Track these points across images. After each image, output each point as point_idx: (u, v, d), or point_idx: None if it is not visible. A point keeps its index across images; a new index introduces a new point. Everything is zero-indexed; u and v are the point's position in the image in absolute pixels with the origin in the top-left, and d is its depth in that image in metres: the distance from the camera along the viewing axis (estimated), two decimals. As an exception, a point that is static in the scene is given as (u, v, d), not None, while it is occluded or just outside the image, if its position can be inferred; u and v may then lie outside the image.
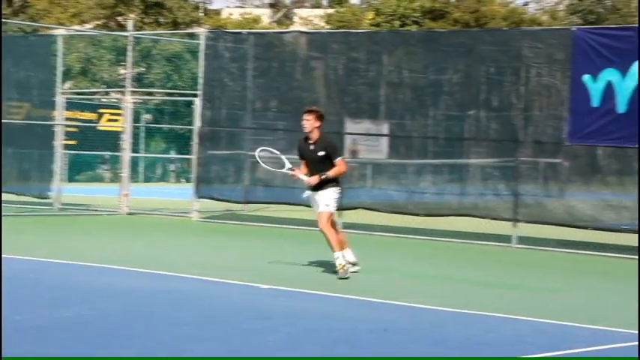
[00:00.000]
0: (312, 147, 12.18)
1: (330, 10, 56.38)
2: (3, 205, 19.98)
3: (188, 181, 21.27)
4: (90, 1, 46.81)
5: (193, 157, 20.16)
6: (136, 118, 27.64)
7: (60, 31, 25.60)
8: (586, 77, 15.64)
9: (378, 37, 19.06)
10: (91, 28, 42.75)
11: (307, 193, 12.34)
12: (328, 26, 50.75)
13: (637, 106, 15.14)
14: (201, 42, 20.08)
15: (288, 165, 12.53)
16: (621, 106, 15.33)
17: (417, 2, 46.50)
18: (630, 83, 15.21)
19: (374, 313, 9.87)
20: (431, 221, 17.57)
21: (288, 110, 19.38)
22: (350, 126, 18.40)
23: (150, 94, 30.34)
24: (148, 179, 33.12)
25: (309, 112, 12.23)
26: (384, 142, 18.59)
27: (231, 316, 9.31)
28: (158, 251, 14.67)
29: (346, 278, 11.82)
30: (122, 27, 39.53)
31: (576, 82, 15.74)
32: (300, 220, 18.86)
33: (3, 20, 31.40)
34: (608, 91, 15.43)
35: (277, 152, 12.98)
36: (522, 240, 16.23)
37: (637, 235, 15.30)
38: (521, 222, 16.28)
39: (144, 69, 34.67)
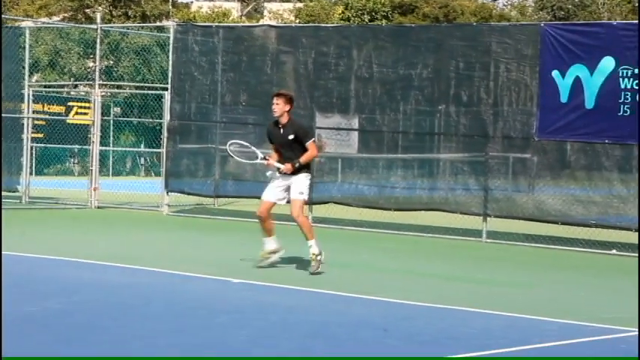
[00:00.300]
0: (282, 131, 12.06)
1: (300, 4, 56.34)
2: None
3: (158, 174, 21.21)
4: (57, -7, 46.46)
5: (163, 150, 20.09)
6: (105, 112, 27.48)
7: (27, 23, 25.40)
8: (554, 73, 15.74)
9: (348, 32, 19.06)
10: (58, 21, 42.43)
11: (273, 175, 12.16)
12: (298, 20, 50.72)
13: (604, 104, 15.25)
14: (171, 35, 20.00)
15: (260, 155, 12.48)
16: (589, 101, 15.44)
17: (387, -3, 46.57)
18: (598, 79, 15.32)
19: (345, 307, 9.89)
20: (401, 216, 17.63)
21: (258, 104, 19.35)
22: (320, 120, 18.40)
23: (119, 87, 30.20)
24: (117, 173, 32.96)
25: (279, 95, 12.13)
26: (355, 136, 18.61)
27: (202, 310, 9.30)
28: (128, 245, 14.61)
29: (318, 273, 11.82)
30: (90, 19, 39.28)
31: (545, 78, 15.84)
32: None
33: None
34: (577, 87, 15.54)
35: (247, 144, 12.94)
36: (492, 235, 16.32)
37: (606, 229, 15.48)
38: (490, 217, 16.37)
39: (112, 62, 34.47)
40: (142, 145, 32.73)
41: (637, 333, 8.61)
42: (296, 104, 18.51)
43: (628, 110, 15.03)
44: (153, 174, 31.87)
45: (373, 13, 46.05)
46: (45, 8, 46.22)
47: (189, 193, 20.01)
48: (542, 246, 15.68)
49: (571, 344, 8.34)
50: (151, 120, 30.04)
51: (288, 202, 12.22)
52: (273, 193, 12.19)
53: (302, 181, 12.03)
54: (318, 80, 18.29)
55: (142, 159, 34.46)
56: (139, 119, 31.48)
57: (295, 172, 11.97)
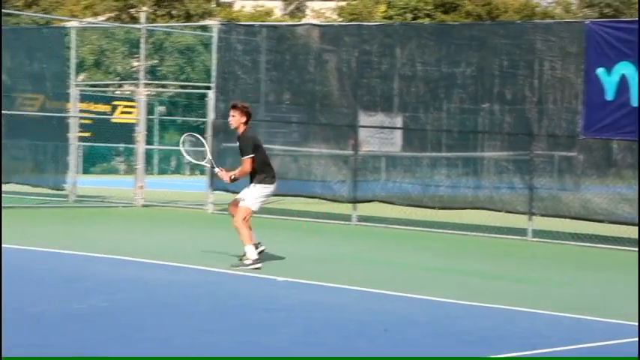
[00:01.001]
0: (237, 141, 12.37)
1: (342, 3, 56.32)
2: (18, 197, 20.08)
3: (202, 173, 21.32)
4: (102, -7, 46.84)
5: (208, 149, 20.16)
6: (150, 111, 27.73)
7: (73, 23, 25.66)
8: (600, 70, 15.60)
9: (391, 30, 19.03)
10: (103, 20, 42.79)
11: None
12: (340, 19, 50.71)
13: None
14: (214, 34, 20.09)
15: (208, 157, 12.67)
16: (635, 99, 15.28)
17: (430, -6, 46.41)
18: (645, 76, 15.17)
19: (389, 305, 9.89)
20: (445, 214, 17.58)
21: (301, 103, 19.40)
22: (363, 119, 18.40)
23: (163, 86, 30.41)
24: (162, 171, 33.21)
25: (234, 107, 12.24)
26: (398, 135, 18.59)
27: (247, 308, 9.33)
28: (173, 243, 14.71)
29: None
30: (135, 19, 39.56)
31: (590, 76, 15.71)
32: (314, 213, 18.89)
33: (17, 12, 31.49)
34: (623, 85, 15.39)
35: (203, 141, 13.09)
36: (537, 233, 16.21)
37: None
38: (536, 215, 16.27)
39: (157, 61, 34.71)
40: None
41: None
42: (339, 103, 18.70)
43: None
44: (198, 172, 32.05)
45: (416, 12, 45.90)
46: (90, 8, 46.64)
47: (234, 192, 20.02)
48: (588, 245, 15.55)
49: (617, 344, 8.26)
50: (195, 119, 30.21)
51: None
52: (242, 192, 12.47)
53: (251, 190, 12.25)
54: (361, 79, 18.28)
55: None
56: (184, 118, 31.67)
57: (253, 178, 12.21)
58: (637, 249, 15.05)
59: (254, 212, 12.39)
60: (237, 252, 13.88)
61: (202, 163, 12.82)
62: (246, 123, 12.19)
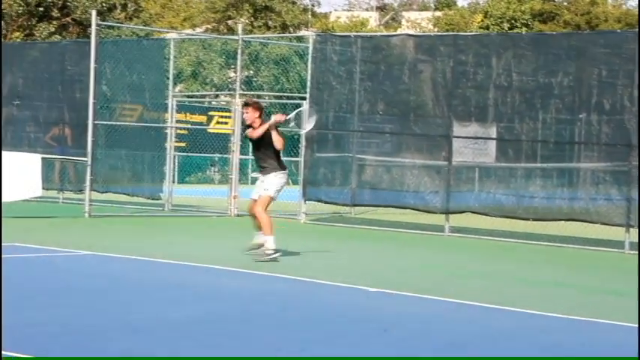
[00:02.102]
0: (254, 135, 13.04)
1: (439, 13, 56.11)
2: (117, 205, 20.50)
3: (296, 183, 21.44)
4: (201, 5, 47.58)
5: (301, 159, 20.30)
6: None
7: (172, 35, 26.12)
8: (702, 80, 15.22)
9: (487, 40, 18.89)
10: (201, 32, 43.42)
11: (256, 174, 13.27)
12: (436, 29, 50.52)
13: None
14: (310, 45, 20.21)
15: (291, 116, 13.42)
16: None
17: (527, 4, 45.90)
18: None
19: (483, 318, 9.79)
20: (540, 226, 17.33)
21: (395, 113, 19.38)
22: (458, 129, 18.28)
23: (258, 96, 30.64)
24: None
25: (246, 105, 13.23)
26: (492, 145, 18.42)
27: (339, 319, 9.34)
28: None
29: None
30: (232, 30, 40.07)
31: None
32: (407, 224, 18.83)
33: (118, 25, 32.18)
34: None
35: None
36: (635, 246, 15.87)
37: None
38: (634, 227, 15.93)
39: (253, 72, 35.08)
40: (281, 154, 33.15)
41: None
42: (433, 113, 18.61)
43: None
44: (291, 182, 32.23)
45: (513, 21, 45.46)
46: (189, 20, 47.41)
47: (326, 202, 20.15)
48: (689, 259, 15.14)
49: None
50: (289, 129, 30.41)
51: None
52: (256, 192, 13.19)
53: (271, 179, 12.98)
54: (455, 89, 18.18)
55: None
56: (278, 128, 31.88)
57: (265, 168, 13.04)
58: None
59: (273, 200, 13.19)
60: (331, 261, 13.93)
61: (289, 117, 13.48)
62: (259, 117, 13.05)
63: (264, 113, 13.26)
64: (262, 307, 9.81)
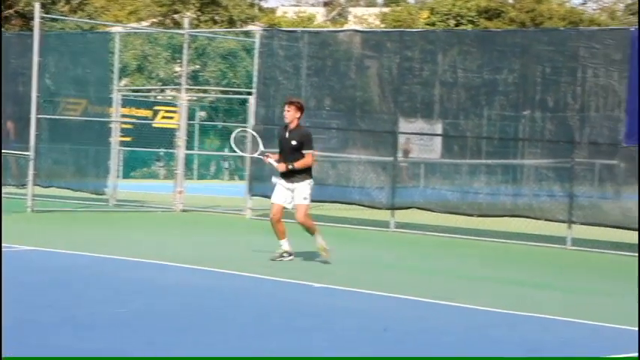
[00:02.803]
0: (287, 135, 12.83)
1: (386, 9, 56.29)
2: (60, 200, 20.27)
3: (242, 178, 21.41)
4: (147, -1, 47.20)
5: (247, 155, 20.21)
6: (191, 116, 27.86)
7: (117, 29, 25.89)
8: (644, 78, 15.43)
9: (433, 37, 18.99)
10: (147, 26, 43.11)
11: (276, 179, 12.88)
12: (383, 25, 50.68)
13: None
14: (256, 40, 20.16)
15: (261, 149, 13.08)
16: (680, 107, 15.10)
17: (473, 1, 46.22)
18: (689, 84, 14.98)
19: (428, 313, 9.85)
20: (484, 222, 17.47)
21: (342, 109, 19.40)
22: (403, 125, 18.36)
23: (205, 91, 30.51)
24: (202, 176, 33.34)
25: (290, 103, 12.97)
26: (438, 141, 18.52)
27: (283, 314, 9.35)
28: (211, 248, 14.77)
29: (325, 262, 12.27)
30: (178, 25, 39.82)
31: (633, 83, 15.54)
32: (353, 219, 18.87)
33: (62, 18, 31.81)
34: (667, 93, 15.21)
35: (256, 134, 13.59)
36: (577, 242, 16.07)
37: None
38: (576, 223, 16.12)
39: (199, 66, 34.90)
40: (227, 149, 33.03)
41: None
42: (379, 109, 18.67)
43: None
44: (237, 178, 32.17)
45: (459, 18, 45.75)
46: (134, 14, 47.01)
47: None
48: (629, 254, 15.37)
49: (657, 355, 8.15)
50: (235, 124, 30.28)
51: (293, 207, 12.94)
52: (282, 197, 12.86)
53: (304, 187, 12.78)
54: (402, 85, 18.24)
55: (227, 163, 34.78)
56: (224, 123, 31.81)
57: (294, 177, 12.70)
58: None
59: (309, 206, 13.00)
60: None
61: (255, 155, 13.26)
62: (299, 118, 12.87)
63: (304, 114, 13.10)
64: (206, 303, 9.78)
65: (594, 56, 16.18)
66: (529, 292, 11.65)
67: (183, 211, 20.40)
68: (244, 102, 22.50)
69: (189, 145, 21.63)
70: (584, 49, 16.26)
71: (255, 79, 20.07)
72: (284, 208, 12.90)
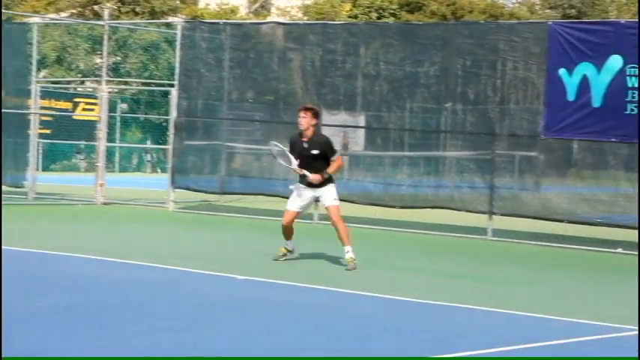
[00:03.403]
0: (305, 145, 12.31)
1: (308, 1, 56.32)
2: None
3: (164, 171, 21.24)
4: (66, -11, 46.46)
5: (169, 147, 20.10)
6: (112, 108, 27.52)
7: (35, 19, 25.44)
8: (562, 71, 15.70)
9: (355, 29, 19.04)
10: (66, 17, 42.46)
11: (296, 186, 12.50)
12: (306, 17, 50.70)
13: (611, 102, 15.20)
14: (178, 32, 20.01)
15: (294, 162, 12.48)
16: (596, 100, 15.40)
17: (395, -6, 46.50)
18: (605, 77, 15.27)
19: (351, 304, 9.90)
20: (407, 213, 17.61)
21: (265, 101, 19.37)
22: (326, 117, 18.39)
23: (126, 83, 30.19)
24: (123, 169, 33.01)
25: (306, 109, 12.39)
26: (361, 134, 18.60)
27: (207, 307, 9.31)
28: (133, 241, 14.63)
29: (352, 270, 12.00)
30: (98, 16, 39.28)
31: (552, 76, 15.80)
32: (276, 212, 18.85)
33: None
34: (584, 85, 15.49)
35: (284, 148, 12.90)
36: (497, 233, 16.29)
37: (611, 228, 15.46)
38: (496, 215, 16.34)
39: (120, 58, 34.51)
40: (149, 142, 32.76)
41: (638, 332, 8.59)
42: (303, 101, 18.66)
43: (635, 109, 14.99)
44: (159, 170, 31.91)
45: (381, 11, 45.98)
46: (53, 4, 46.24)
47: (195, 190, 20.01)
48: (548, 244, 15.65)
49: (575, 342, 8.32)
50: (157, 116, 30.07)
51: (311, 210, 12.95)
52: (297, 203, 12.52)
53: (331, 190, 12.39)
54: (325, 77, 18.28)
55: (149, 155, 34.50)
56: (146, 115, 31.53)
57: (325, 184, 12.30)
58: (600, 249, 15.19)
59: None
60: (200, 250, 13.82)
61: (292, 167, 12.56)
62: (315, 125, 12.38)
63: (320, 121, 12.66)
64: (128, 296, 9.69)
65: (514, 49, 16.40)
66: (449, 282, 11.77)
67: (105, 204, 20.17)
68: (166, 94, 22.29)
69: (111, 138, 21.37)
70: (503, 42, 16.47)
71: (177, 71, 19.92)
72: (298, 214, 12.61)
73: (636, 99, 14.98)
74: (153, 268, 11.58)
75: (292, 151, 12.48)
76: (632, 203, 15.45)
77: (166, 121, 21.59)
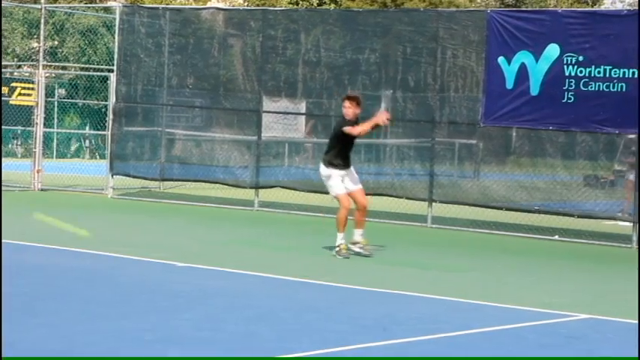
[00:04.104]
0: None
1: (249, -13, 56.02)
2: None
3: (103, 157, 21.00)
4: (2, -28, 45.63)
5: (108, 133, 19.90)
6: (50, 93, 27.16)
7: (-30, 3, 24.89)
8: (500, 59, 15.83)
9: (296, 16, 19.00)
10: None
11: (331, 173, 12.50)
12: (246, 3, 50.46)
13: (549, 91, 15.37)
14: (117, 16, 19.80)
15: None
16: (534, 88, 15.56)
17: (336, -19, 46.46)
18: (543, 66, 15.43)
19: (290, 291, 9.90)
20: (347, 200, 17.60)
21: (205, 87, 19.26)
22: (267, 104, 18.35)
23: (64, 68, 29.81)
24: (61, 155, 32.58)
25: (350, 98, 12.48)
26: (302, 120, 18.59)
27: (147, 294, 9.25)
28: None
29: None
30: (35, -1, 38.67)
31: (491, 64, 15.93)
32: (216, 198, 18.80)
33: None
34: (522, 74, 15.64)
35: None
36: (437, 220, 16.40)
37: (549, 215, 15.68)
38: (436, 202, 16.45)
39: (57, 43, 34.04)
40: (87, 127, 32.39)
41: (578, 318, 8.72)
42: (243, 88, 18.62)
43: (572, 97, 15.18)
44: (98, 156, 31.57)
45: (322, -3, 45.92)
46: (-12, -13, 45.43)
47: (134, 176, 19.86)
48: (486, 231, 15.80)
49: (513, 329, 8.42)
50: (96, 102, 29.72)
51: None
52: (342, 185, 12.49)
53: (354, 172, 12.61)
54: (265, 64, 18.22)
55: (87, 141, 34.11)
56: (84, 101, 31.16)
57: (347, 163, 12.45)
58: (537, 237, 15.38)
59: None
60: (139, 237, 13.72)
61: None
62: (358, 114, 12.44)
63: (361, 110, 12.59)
64: (66, 283, 9.59)
65: (453, 37, 16.50)
66: (389, 269, 11.84)
67: (42, 190, 19.92)
68: (105, 79, 22.03)
69: (48, 123, 21.05)
70: (443, 30, 16.56)
71: (116, 57, 19.71)
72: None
73: (573, 87, 15.17)
74: (92, 255, 11.47)
75: (337, 134, 12.50)
76: (568, 191, 15.68)
77: (105, 106, 21.38)
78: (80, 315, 8.10)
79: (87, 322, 7.85)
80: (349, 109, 12.30)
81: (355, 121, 12.38)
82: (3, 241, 12.04)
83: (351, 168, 12.56)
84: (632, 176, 15.37)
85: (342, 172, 12.42)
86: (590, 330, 8.54)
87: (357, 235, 12.51)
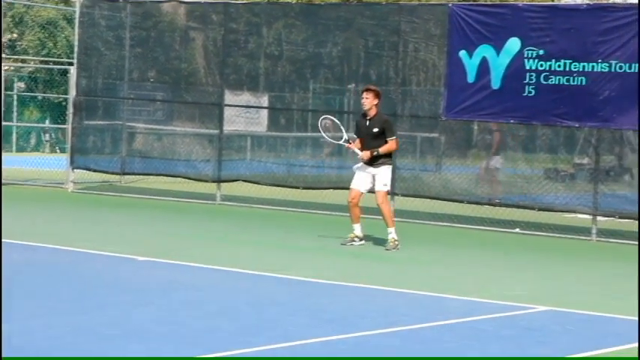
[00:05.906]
0: (367, 123, 12.71)
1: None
2: None
3: (63, 151, 20.85)
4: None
5: (68, 126, 19.74)
6: (9, 86, 26.89)
7: None
8: (462, 53, 15.88)
9: (258, 9, 18.94)
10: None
11: (358, 166, 12.82)
12: (208, -4, 50.25)
13: (510, 84, 15.46)
14: (77, 9, 19.64)
15: (345, 137, 13.09)
16: (495, 82, 15.62)
17: (298, -25, 46.41)
18: (504, 60, 15.50)
19: (252, 285, 9.88)
20: (310, 194, 17.64)
21: (167, 81, 19.17)
22: (229, 98, 18.29)
23: (23, 61, 29.55)
24: (21, 149, 32.28)
25: (368, 90, 12.83)
26: (264, 114, 18.56)
27: (106, 288, 9.19)
28: (31, 222, 14.34)
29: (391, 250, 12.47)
30: (-6, -8, 38.25)
31: (452, 58, 15.97)
32: (178, 192, 18.72)
33: None
34: (483, 67, 15.69)
35: (338, 122, 13.59)
36: (399, 213, 16.37)
37: (509, 208, 15.77)
38: (398, 195, 16.48)
39: (17, 35, 33.71)
40: (47, 121, 32.12)
41: (538, 310, 8.79)
42: (204, 82, 18.55)
43: (533, 91, 15.26)
44: (58, 150, 31.31)
45: (284, -9, 45.85)
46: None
47: (95, 170, 19.71)
48: (448, 224, 15.86)
49: (473, 321, 8.46)
50: (56, 95, 29.48)
51: (371, 191, 12.90)
52: (361, 183, 12.82)
53: (385, 173, 12.78)
54: (227, 57, 18.16)
55: (47, 135, 33.83)
56: (44, 94, 30.89)
57: (376, 162, 12.64)
58: (498, 230, 15.46)
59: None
60: (100, 231, 13.62)
61: (341, 142, 13.24)
62: (377, 105, 12.72)
63: (381, 101, 12.90)
64: (24, 278, 9.50)
65: (415, 31, 16.53)
66: (351, 262, 11.85)
67: (2, 184, 19.69)
68: (65, 73, 21.84)
69: (8, 117, 20.87)
70: (405, 23, 16.58)
71: (76, 50, 19.56)
72: (362, 194, 12.84)
73: (534, 81, 15.26)
74: (51, 250, 11.38)
75: (358, 132, 12.90)
76: (529, 184, 15.78)
77: (65, 100, 21.21)
78: (39, 310, 8.03)
79: (45, 316, 7.78)
80: (366, 100, 12.71)
81: (375, 113, 12.73)
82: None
83: (380, 168, 12.70)
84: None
85: (368, 168, 12.74)
86: (549, 322, 8.60)
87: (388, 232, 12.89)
